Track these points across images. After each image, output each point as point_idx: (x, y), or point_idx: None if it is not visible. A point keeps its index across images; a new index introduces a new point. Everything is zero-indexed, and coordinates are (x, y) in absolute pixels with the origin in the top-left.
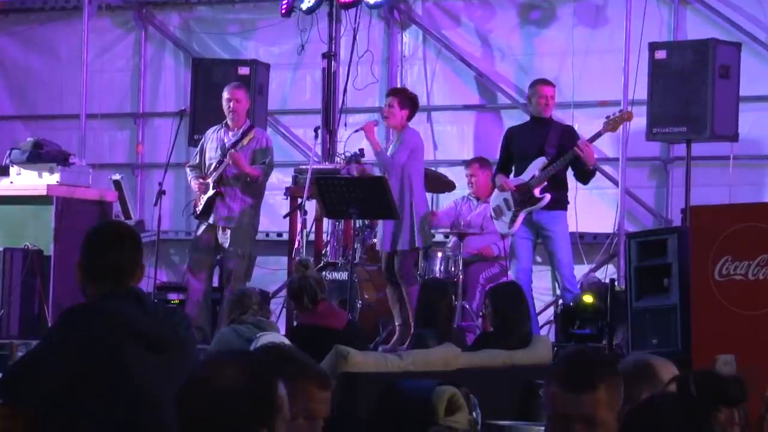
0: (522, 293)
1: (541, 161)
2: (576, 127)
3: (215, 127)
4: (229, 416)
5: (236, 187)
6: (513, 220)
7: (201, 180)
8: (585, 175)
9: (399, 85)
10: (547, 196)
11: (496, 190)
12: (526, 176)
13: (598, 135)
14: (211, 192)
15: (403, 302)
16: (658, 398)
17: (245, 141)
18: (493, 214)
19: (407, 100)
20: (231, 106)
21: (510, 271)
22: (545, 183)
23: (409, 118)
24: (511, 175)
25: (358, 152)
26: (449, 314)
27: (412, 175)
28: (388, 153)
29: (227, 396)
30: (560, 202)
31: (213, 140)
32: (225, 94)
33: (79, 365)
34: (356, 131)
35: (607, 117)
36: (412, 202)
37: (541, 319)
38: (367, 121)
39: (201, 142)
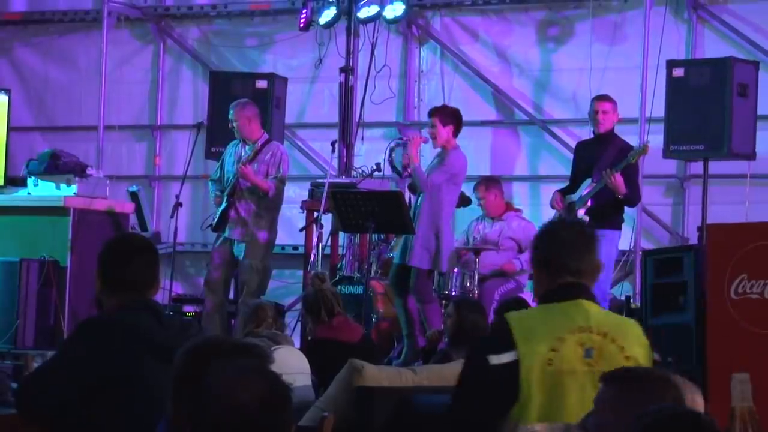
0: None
1: (587, 183)
2: None
3: (235, 141)
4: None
5: (251, 201)
6: None
7: (218, 194)
8: (621, 201)
9: (416, 101)
10: (585, 218)
11: None
12: (576, 195)
13: (620, 167)
14: (224, 204)
15: (409, 314)
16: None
17: (252, 155)
18: None
19: (448, 116)
20: (230, 125)
21: None
22: (588, 204)
23: (456, 133)
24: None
25: (375, 167)
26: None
27: (447, 199)
28: (425, 169)
29: (250, 411)
30: (606, 221)
31: (232, 154)
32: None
33: (94, 377)
34: (404, 140)
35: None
36: (440, 225)
37: None
38: (416, 135)
39: (222, 156)
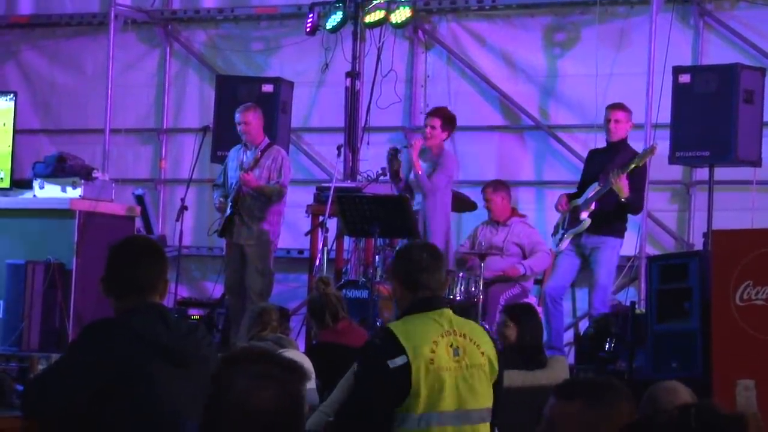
0: (536, 313)
1: (593, 187)
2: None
3: (237, 146)
4: None
5: (254, 206)
6: (561, 240)
7: (222, 200)
8: (623, 207)
9: (422, 106)
10: (588, 221)
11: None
12: (581, 198)
13: (627, 168)
14: (228, 211)
15: None
16: (656, 420)
17: (253, 162)
18: (553, 229)
19: (449, 122)
20: (241, 129)
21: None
22: (592, 207)
23: (446, 138)
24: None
25: (380, 171)
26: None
27: (448, 201)
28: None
29: (264, 417)
30: (609, 227)
31: (234, 159)
32: (236, 117)
33: (100, 380)
34: (407, 147)
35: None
36: (449, 227)
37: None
38: (417, 139)
39: (225, 162)
